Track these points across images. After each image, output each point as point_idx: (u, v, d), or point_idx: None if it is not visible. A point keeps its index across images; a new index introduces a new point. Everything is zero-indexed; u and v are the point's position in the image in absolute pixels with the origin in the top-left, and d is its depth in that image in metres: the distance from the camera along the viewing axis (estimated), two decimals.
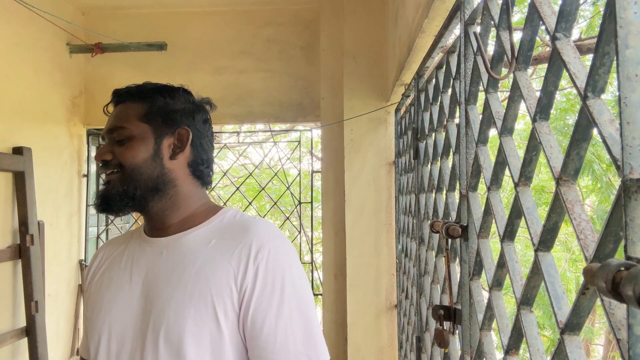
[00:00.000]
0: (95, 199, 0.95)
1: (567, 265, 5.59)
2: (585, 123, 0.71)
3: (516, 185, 0.95)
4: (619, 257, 0.58)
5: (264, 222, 0.94)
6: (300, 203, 4.17)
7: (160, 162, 0.93)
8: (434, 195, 1.82)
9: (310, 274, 4.45)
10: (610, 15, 0.61)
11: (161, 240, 0.94)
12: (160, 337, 0.85)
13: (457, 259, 1.40)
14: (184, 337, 0.84)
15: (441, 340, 1.39)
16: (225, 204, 4.92)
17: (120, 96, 0.98)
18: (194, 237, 0.92)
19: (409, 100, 2.64)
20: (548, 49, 3.99)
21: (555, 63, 0.83)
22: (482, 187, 1.17)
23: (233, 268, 0.86)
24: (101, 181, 1.00)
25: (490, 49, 1.22)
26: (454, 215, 1.48)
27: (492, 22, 1.16)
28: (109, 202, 0.92)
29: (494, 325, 1.13)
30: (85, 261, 3.92)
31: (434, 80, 1.88)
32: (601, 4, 4.14)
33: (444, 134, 1.71)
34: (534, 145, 0.90)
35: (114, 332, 0.90)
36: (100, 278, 0.99)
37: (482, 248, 1.17)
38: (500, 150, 1.05)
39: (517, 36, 1.08)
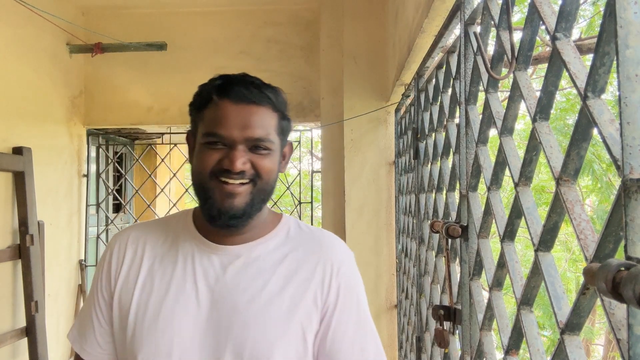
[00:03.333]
0: (218, 213, 0.82)
1: (567, 265, 5.59)
2: (585, 123, 0.71)
3: (516, 185, 0.95)
4: (619, 257, 0.58)
5: (334, 235, 0.94)
6: (300, 203, 4.17)
7: (277, 175, 0.90)
8: (434, 195, 1.82)
9: None
10: (610, 15, 0.61)
11: (230, 248, 0.87)
12: (244, 358, 0.81)
13: (457, 259, 1.40)
14: (273, 358, 0.81)
15: (441, 340, 1.39)
16: None
17: (258, 96, 0.85)
18: (265, 248, 0.88)
19: (409, 100, 2.64)
20: (548, 48, 3.99)
21: (556, 63, 0.83)
22: (482, 187, 1.17)
23: (316, 285, 0.85)
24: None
25: (490, 49, 1.22)
26: (454, 215, 1.48)
27: (492, 22, 1.16)
28: (241, 216, 0.83)
29: (494, 325, 1.13)
30: (85, 261, 3.92)
31: (434, 80, 1.88)
32: (601, 4, 4.14)
33: (444, 134, 1.71)
34: (534, 145, 0.90)
35: (176, 346, 0.82)
36: (147, 277, 0.88)
37: (482, 248, 1.17)
38: (500, 150, 1.05)
39: (517, 36, 1.08)
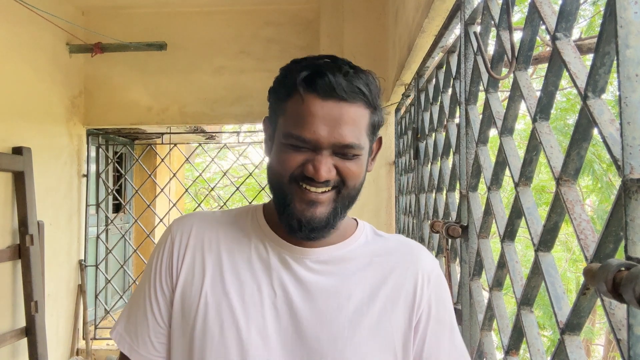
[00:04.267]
0: (298, 224, 0.74)
1: (567, 265, 5.60)
2: (585, 123, 0.71)
3: (516, 185, 0.95)
4: (619, 257, 0.58)
5: (415, 242, 0.88)
6: None
7: (364, 176, 0.80)
8: (434, 195, 1.82)
9: None
10: (610, 15, 0.61)
11: (309, 251, 0.78)
12: None
13: (457, 259, 1.40)
14: None
15: None
16: (225, 203, 4.92)
17: (349, 90, 0.72)
18: (347, 253, 0.80)
19: (409, 100, 2.64)
20: (548, 48, 3.99)
21: (556, 63, 0.83)
22: (482, 187, 1.17)
23: (407, 296, 0.79)
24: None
25: (490, 49, 1.22)
26: (454, 215, 1.48)
27: (492, 22, 1.16)
28: (324, 227, 0.75)
29: (494, 325, 1.13)
30: (85, 261, 3.92)
31: (434, 80, 1.88)
32: (601, 3, 4.15)
33: (444, 134, 1.71)
34: (534, 145, 0.90)
35: (252, 358, 0.74)
36: (215, 275, 0.78)
37: (482, 248, 1.17)
38: (501, 150, 1.05)
39: (517, 36, 1.08)
